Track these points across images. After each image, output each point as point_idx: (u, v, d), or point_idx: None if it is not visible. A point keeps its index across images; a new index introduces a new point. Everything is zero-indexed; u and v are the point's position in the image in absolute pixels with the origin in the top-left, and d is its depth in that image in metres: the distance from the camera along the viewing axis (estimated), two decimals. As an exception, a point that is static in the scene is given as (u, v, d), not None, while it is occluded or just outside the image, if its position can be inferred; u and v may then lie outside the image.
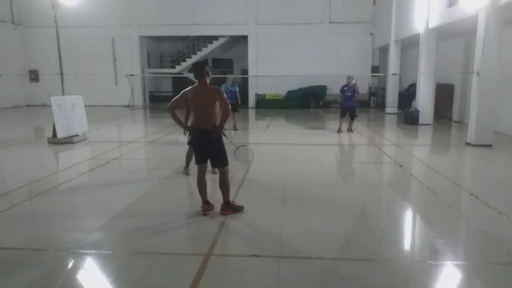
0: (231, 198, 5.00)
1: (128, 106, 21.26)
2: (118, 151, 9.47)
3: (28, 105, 22.37)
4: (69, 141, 9.77)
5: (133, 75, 20.99)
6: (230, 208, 4.88)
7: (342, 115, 11.95)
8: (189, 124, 5.72)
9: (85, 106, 11.08)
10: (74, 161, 8.43)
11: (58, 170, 7.76)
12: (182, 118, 5.09)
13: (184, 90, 4.76)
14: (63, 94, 10.48)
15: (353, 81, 11.46)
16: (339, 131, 12.07)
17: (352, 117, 11.92)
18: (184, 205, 5.34)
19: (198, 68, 4.69)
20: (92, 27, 21.52)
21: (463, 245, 4.26)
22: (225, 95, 4.69)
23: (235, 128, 12.46)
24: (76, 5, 10.80)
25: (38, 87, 22.28)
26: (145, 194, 5.81)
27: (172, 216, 4.88)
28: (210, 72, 4.81)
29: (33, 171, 7.35)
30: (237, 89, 12.33)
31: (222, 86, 12.40)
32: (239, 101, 12.48)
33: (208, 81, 4.71)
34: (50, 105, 9.71)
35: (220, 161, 4.78)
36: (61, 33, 10.47)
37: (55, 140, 9.71)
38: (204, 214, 4.81)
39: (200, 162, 4.85)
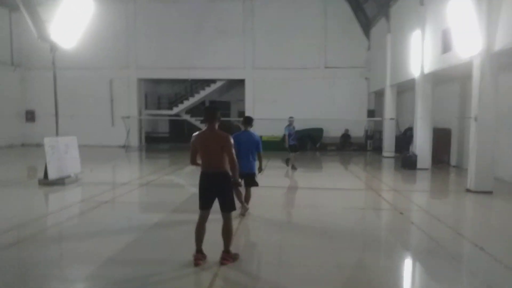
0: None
1: (124, 146, 21.13)
2: (110, 193, 9.21)
3: (23, 145, 22.20)
4: (60, 182, 9.52)
5: (128, 117, 21.01)
6: (230, 257, 4.62)
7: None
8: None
9: (80, 146, 10.93)
10: (63, 204, 8.16)
11: (46, 214, 7.47)
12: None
13: (192, 139, 4.62)
14: (57, 135, 10.35)
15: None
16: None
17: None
18: (176, 254, 5.03)
19: (210, 112, 4.64)
20: (90, 69, 21.73)
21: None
22: (232, 146, 4.55)
23: (294, 168, 12.90)
24: (75, 47, 10.88)
25: (33, 127, 22.18)
26: (136, 240, 5.53)
27: (163, 265, 4.60)
28: (220, 117, 4.71)
29: (21, 214, 7.06)
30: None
31: (285, 128, 12.62)
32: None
33: (217, 126, 4.61)
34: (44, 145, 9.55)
35: (230, 205, 4.64)
36: (59, 74, 10.52)
37: (46, 182, 9.44)
38: (196, 264, 4.52)
39: (205, 207, 4.65)
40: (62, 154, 9.96)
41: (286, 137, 12.72)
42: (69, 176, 9.91)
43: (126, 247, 5.25)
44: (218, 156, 4.51)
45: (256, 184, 6.76)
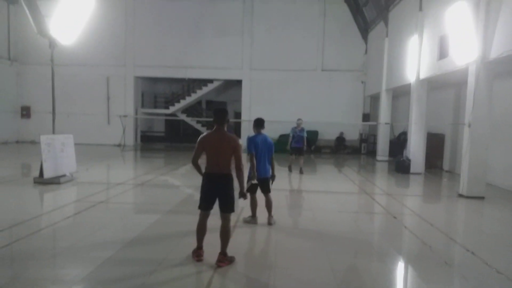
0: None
1: (119, 145, 21.07)
2: (106, 193, 9.23)
3: (17, 142, 22.06)
4: (55, 181, 9.50)
5: (126, 116, 20.95)
6: (227, 259, 4.71)
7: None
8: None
9: (76, 144, 10.92)
10: (59, 203, 8.17)
11: (41, 213, 7.45)
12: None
13: (200, 139, 4.74)
14: (53, 133, 10.33)
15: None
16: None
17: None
18: (174, 253, 5.08)
19: (220, 115, 4.74)
20: (87, 66, 21.68)
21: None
22: (241, 151, 4.71)
23: (301, 172, 12.79)
24: (73, 43, 10.85)
25: (29, 124, 22.05)
26: (133, 241, 5.56)
27: (161, 265, 4.65)
28: (229, 120, 4.86)
29: (15, 213, 7.06)
30: (305, 134, 12.83)
31: (290, 130, 12.62)
32: (305, 147, 13.10)
33: (225, 128, 4.75)
34: (39, 143, 9.52)
35: (230, 206, 4.74)
36: (56, 71, 10.47)
37: (41, 180, 9.43)
38: (198, 260, 4.72)
39: (206, 208, 4.77)
40: (58, 152, 9.95)
41: (290, 139, 12.73)
42: (64, 175, 9.89)
43: (124, 247, 5.29)
44: (226, 158, 4.63)
45: (269, 190, 6.68)
